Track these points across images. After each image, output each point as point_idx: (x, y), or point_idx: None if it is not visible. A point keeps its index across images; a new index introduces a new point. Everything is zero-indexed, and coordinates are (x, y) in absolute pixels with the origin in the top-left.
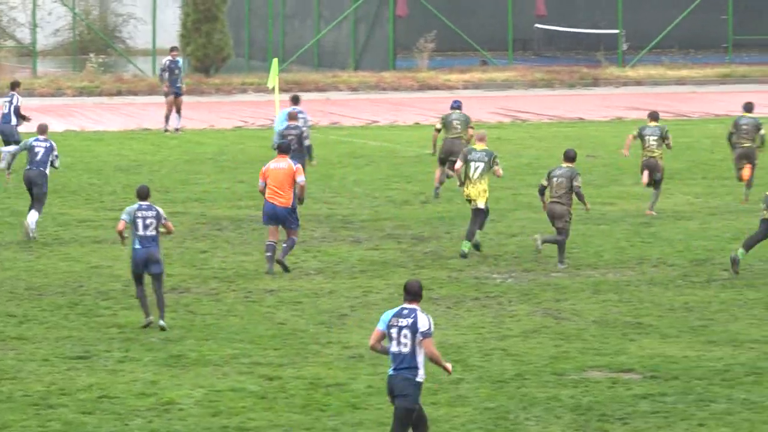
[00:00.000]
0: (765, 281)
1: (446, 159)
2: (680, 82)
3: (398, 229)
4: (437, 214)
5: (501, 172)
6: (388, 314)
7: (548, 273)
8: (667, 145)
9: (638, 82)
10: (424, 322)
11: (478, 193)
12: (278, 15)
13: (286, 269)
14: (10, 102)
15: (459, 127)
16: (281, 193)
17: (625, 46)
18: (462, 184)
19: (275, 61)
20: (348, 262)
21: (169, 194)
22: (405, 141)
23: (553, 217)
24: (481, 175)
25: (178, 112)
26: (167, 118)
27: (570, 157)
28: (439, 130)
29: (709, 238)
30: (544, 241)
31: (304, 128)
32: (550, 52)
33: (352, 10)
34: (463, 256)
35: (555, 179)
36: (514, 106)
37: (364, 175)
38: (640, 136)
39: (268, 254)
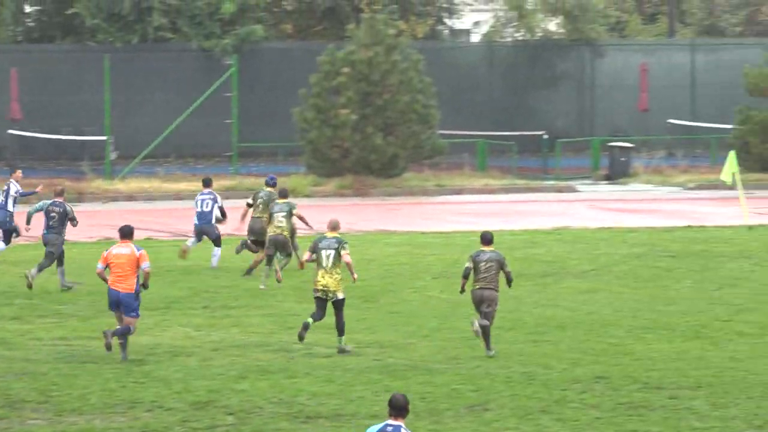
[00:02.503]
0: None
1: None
2: (178, 196)
3: None
4: None
5: (349, 259)
6: (372, 431)
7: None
8: (300, 218)
9: (130, 197)
10: None
11: (337, 283)
12: None
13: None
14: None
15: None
16: (124, 278)
17: (114, 156)
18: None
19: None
20: None
21: None
22: None
23: (481, 302)
24: (334, 262)
25: None
26: None
27: (489, 240)
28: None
29: (211, 377)
30: (481, 326)
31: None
32: (26, 162)
33: None
34: (342, 351)
35: (483, 263)
36: None
37: None
38: (270, 214)
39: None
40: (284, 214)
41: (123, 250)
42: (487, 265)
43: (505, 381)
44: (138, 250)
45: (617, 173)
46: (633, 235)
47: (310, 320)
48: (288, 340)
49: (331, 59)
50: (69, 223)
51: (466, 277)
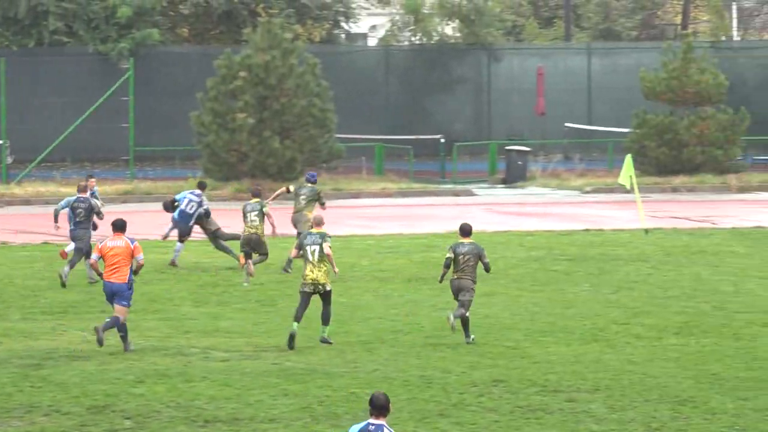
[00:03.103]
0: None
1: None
2: None
3: None
4: None
5: (330, 252)
6: (353, 431)
7: None
8: (267, 216)
9: (26, 201)
10: None
11: (325, 275)
12: None
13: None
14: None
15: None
16: (117, 269)
17: (10, 159)
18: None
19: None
20: None
21: None
22: None
23: (459, 290)
24: (320, 256)
25: None
26: None
27: (468, 231)
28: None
29: (109, 382)
30: (456, 317)
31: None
32: None
33: None
34: (325, 341)
35: (461, 256)
36: None
37: None
38: (243, 214)
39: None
40: (256, 213)
41: (117, 242)
42: (466, 257)
43: (403, 385)
44: (132, 242)
45: (514, 177)
46: (530, 239)
47: (295, 326)
48: (185, 344)
49: (227, 63)
50: (95, 217)
51: (447, 267)
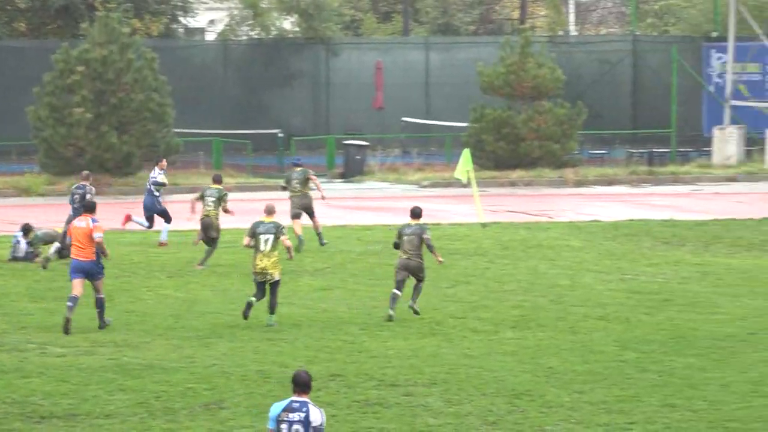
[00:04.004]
0: None
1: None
2: None
3: None
4: None
5: (289, 243)
6: (277, 408)
7: None
8: (224, 209)
9: None
10: (316, 416)
11: (274, 264)
12: None
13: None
14: None
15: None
16: (83, 248)
17: None
18: None
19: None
20: None
21: None
22: None
23: (404, 269)
24: (273, 246)
25: None
26: None
27: (416, 214)
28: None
29: None
30: (414, 301)
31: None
32: None
33: None
34: (270, 325)
35: (406, 237)
36: None
37: None
38: (202, 197)
39: (70, 305)
40: (214, 198)
41: (81, 223)
42: (410, 238)
43: (240, 379)
44: (93, 222)
45: (352, 171)
46: (368, 233)
47: (253, 299)
48: (21, 339)
49: (65, 57)
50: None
51: (396, 247)
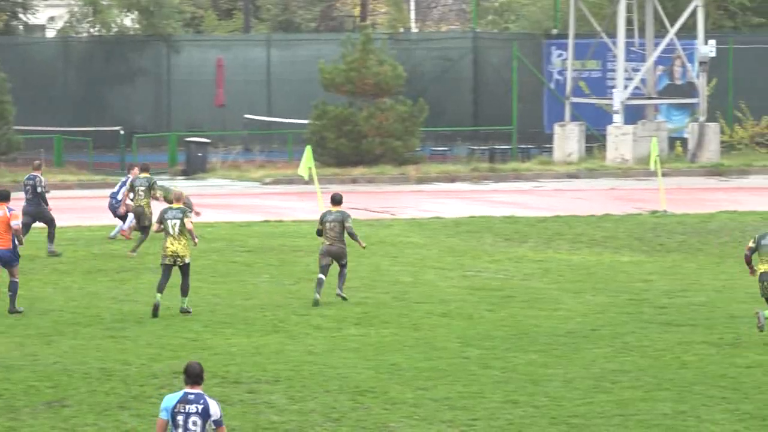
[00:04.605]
0: None
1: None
2: None
3: None
4: None
5: (191, 226)
6: (171, 400)
7: None
8: (153, 196)
9: None
10: (215, 409)
11: (184, 248)
12: None
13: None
14: None
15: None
16: (1, 237)
17: None
18: None
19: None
20: None
21: None
22: None
23: (327, 255)
24: (181, 230)
25: None
26: None
27: (336, 200)
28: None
29: None
30: (340, 288)
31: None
32: None
33: None
34: (184, 311)
35: (328, 224)
36: None
37: None
38: (132, 188)
39: None
40: (144, 188)
41: None
42: (332, 225)
43: (83, 377)
44: (9, 211)
45: (194, 169)
46: (210, 230)
47: (159, 296)
48: None
49: None
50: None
51: (319, 234)
